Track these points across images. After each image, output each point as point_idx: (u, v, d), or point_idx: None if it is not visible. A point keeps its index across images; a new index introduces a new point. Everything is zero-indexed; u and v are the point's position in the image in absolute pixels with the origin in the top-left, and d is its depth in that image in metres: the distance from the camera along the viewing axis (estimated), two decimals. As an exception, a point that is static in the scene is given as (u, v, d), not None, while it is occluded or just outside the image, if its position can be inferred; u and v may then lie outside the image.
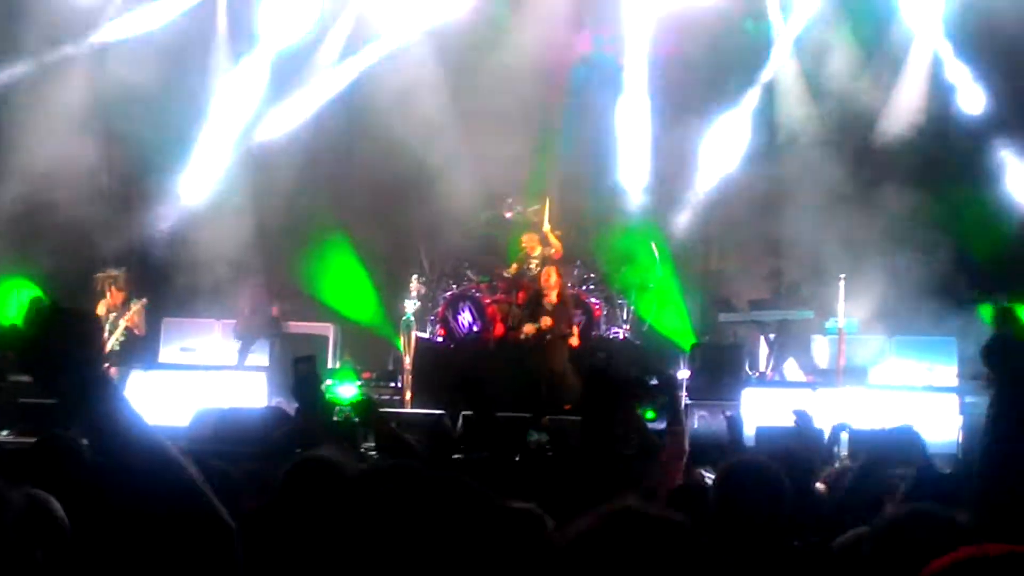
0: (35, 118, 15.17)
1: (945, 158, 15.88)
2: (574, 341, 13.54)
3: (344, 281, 16.25)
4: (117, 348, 12.45)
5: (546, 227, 14.96)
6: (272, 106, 17.25)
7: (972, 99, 15.95)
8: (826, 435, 7.44)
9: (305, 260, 15.86)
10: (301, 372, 4.69)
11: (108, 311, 12.55)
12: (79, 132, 15.57)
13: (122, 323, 12.48)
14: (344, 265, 16.24)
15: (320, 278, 15.93)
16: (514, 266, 14.61)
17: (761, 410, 12.25)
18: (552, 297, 13.51)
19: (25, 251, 15.01)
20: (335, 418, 8.02)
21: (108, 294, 12.60)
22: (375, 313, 16.13)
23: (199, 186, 16.80)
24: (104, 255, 14.63)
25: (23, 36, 15.52)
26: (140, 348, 12.86)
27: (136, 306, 12.59)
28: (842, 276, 12.79)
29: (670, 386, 6.00)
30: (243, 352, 14.56)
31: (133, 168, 17.16)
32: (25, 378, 13.59)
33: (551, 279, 13.61)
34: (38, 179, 14.63)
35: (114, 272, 12.75)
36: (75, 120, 15.47)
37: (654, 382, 6.04)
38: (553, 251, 14.75)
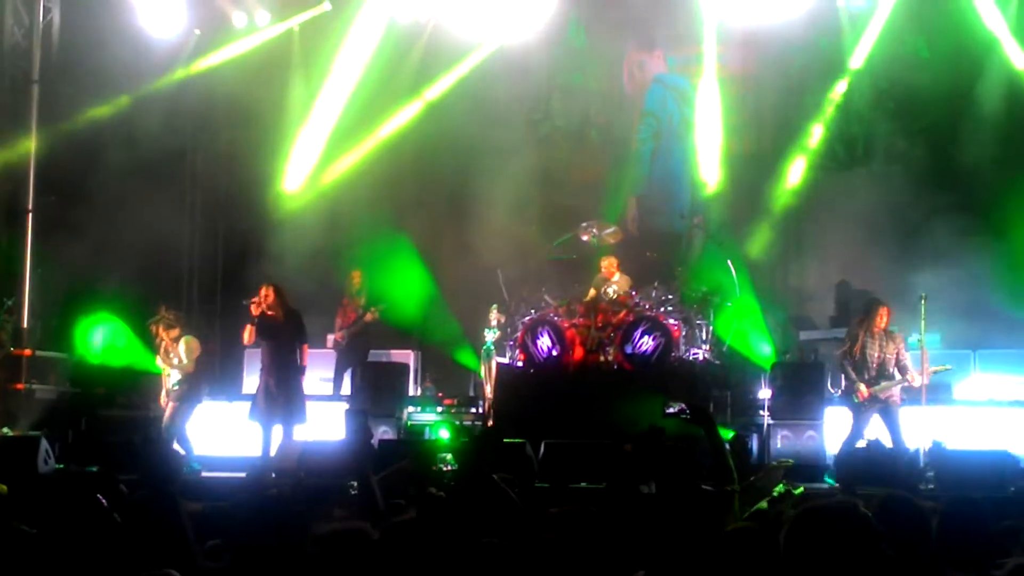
0: (123, 155, 15.52)
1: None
2: None
3: (423, 307, 16.37)
4: (176, 387, 12.65)
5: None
6: (350, 132, 17.52)
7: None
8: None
9: (385, 287, 15.95)
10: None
11: (165, 350, 12.78)
12: (163, 169, 15.96)
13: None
14: (423, 291, 16.36)
15: (400, 304, 15.99)
16: (592, 291, 14.60)
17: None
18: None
19: (110, 285, 15.33)
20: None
21: (161, 335, 12.80)
22: (455, 340, 16.21)
23: (280, 215, 17.12)
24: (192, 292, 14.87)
25: (108, 74, 15.88)
26: (198, 382, 12.96)
27: (182, 343, 12.76)
28: (923, 295, 12.56)
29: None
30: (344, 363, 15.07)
31: (217, 203, 17.55)
32: (114, 413, 13.94)
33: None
34: (122, 216, 14.97)
35: (164, 313, 12.94)
36: (158, 159, 15.84)
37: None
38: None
